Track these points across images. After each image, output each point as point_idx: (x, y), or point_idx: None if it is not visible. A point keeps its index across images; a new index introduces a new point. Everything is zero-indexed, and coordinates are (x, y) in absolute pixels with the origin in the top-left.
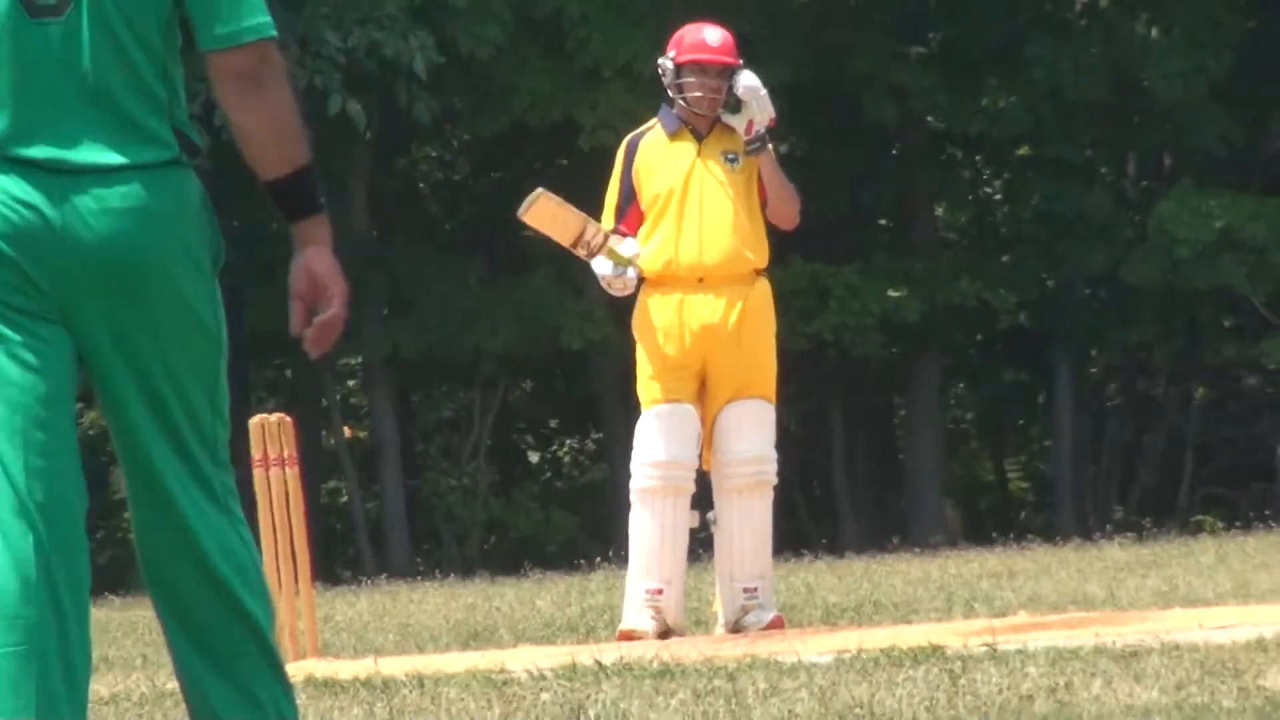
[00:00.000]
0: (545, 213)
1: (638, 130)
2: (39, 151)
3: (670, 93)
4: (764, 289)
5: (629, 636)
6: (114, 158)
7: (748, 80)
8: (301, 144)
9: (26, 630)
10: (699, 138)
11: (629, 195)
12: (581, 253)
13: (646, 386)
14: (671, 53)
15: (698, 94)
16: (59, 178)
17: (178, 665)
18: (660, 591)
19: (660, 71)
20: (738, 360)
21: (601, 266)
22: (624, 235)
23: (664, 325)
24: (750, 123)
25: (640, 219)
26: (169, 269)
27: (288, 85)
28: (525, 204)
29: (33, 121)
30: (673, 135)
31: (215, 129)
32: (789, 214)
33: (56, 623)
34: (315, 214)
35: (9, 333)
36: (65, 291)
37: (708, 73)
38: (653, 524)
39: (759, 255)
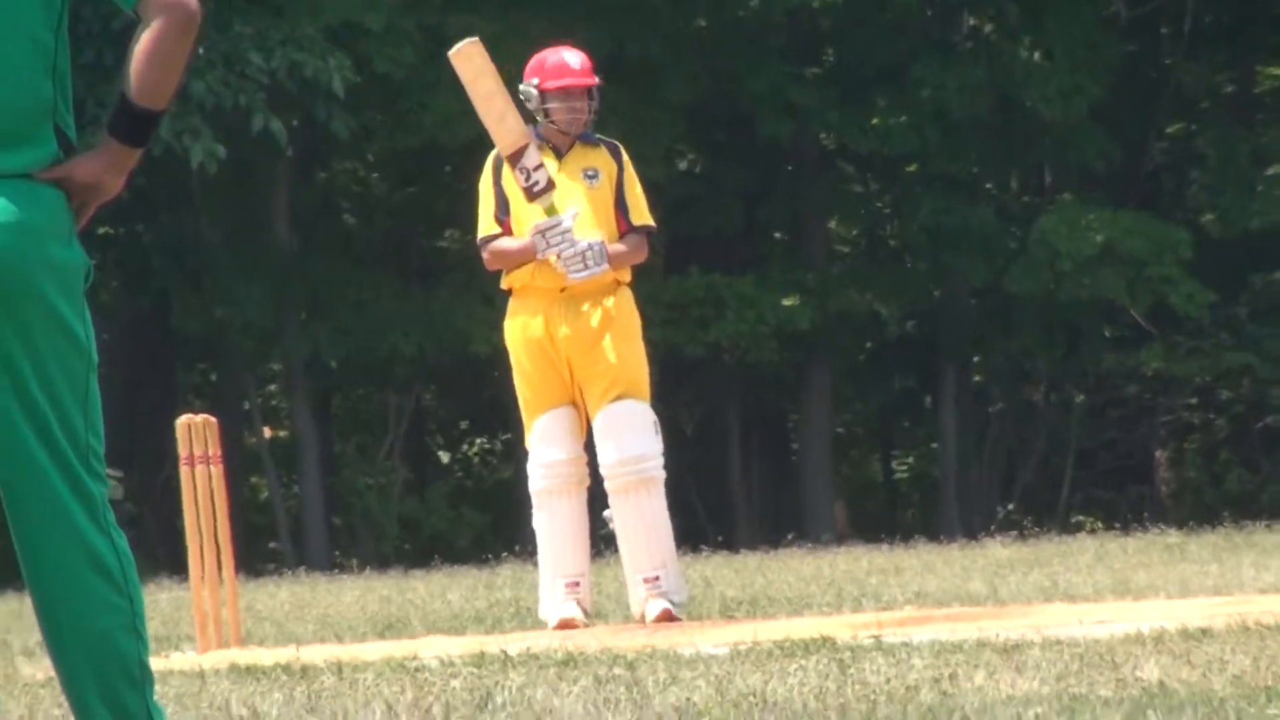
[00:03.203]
0: (473, 62)
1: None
2: None
3: (537, 117)
4: (626, 297)
5: (568, 625)
6: None
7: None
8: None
9: None
10: (559, 155)
11: (504, 205)
12: (520, 179)
13: (527, 396)
14: (534, 80)
15: (566, 116)
16: None
17: (56, 666)
18: (577, 584)
19: (524, 98)
20: (603, 365)
21: (543, 203)
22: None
23: (531, 335)
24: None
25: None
26: (39, 284)
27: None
28: (458, 46)
29: None
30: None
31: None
32: (638, 262)
33: None
34: (140, 146)
35: None
36: None
37: (573, 95)
38: (555, 521)
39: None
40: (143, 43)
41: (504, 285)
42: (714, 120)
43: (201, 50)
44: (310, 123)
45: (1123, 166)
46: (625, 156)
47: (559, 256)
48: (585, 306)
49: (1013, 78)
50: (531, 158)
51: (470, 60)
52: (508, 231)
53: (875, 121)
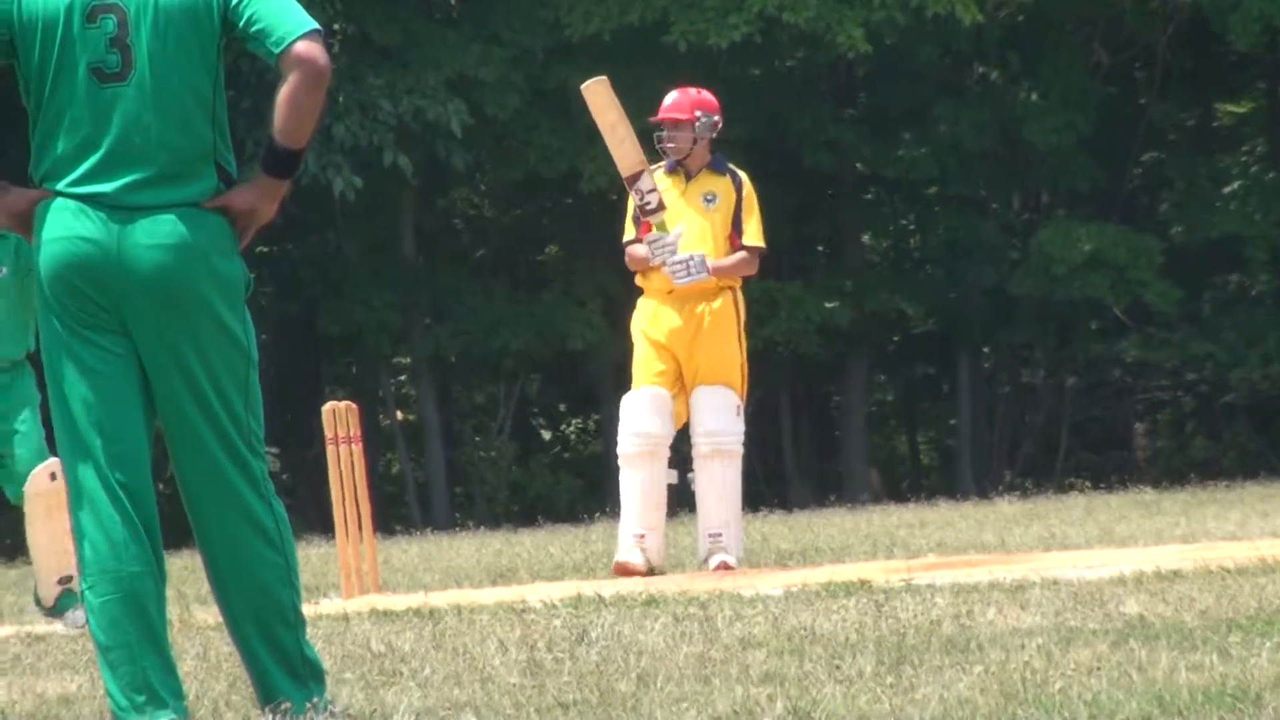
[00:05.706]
0: (600, 97)
1: (653, 166)
2: (105, 190)
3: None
4: (727, 301)
5: (623, 569)
6: (163, 198)
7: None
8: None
9: (119, 582)
10: (687, 178)
11: (638, 216)
12: (635, 199)
13: (636, 373)
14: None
15: (666, 145)
16: (118, 214)
17: (222, 612)
18: (643, 536)
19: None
20: (701, 355)
21: (655, 226)
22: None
23: (645, 326)
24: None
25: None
26: (205, 294)
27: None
28: (589, 82)
29: (101, 167)
30: (669, 172)
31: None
32: (746, 275)
33: (149, 575)
34: (286, 178)
35: (81, 347)
36: (124, 310)
37: (663, 126)
38: (634, 482)
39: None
40: (282, 94)
41: (637, 283)
42: (767, 153)
43: (340, 99)
44: (432, 158)
45: (1106, 188)
46: (747, 187)
47: (664, 264)
48: (688, 308)
49: (1014, 115)
50: (645, 182)
51: (597, 95)
52: (646, 227)
53: (901, 153)
